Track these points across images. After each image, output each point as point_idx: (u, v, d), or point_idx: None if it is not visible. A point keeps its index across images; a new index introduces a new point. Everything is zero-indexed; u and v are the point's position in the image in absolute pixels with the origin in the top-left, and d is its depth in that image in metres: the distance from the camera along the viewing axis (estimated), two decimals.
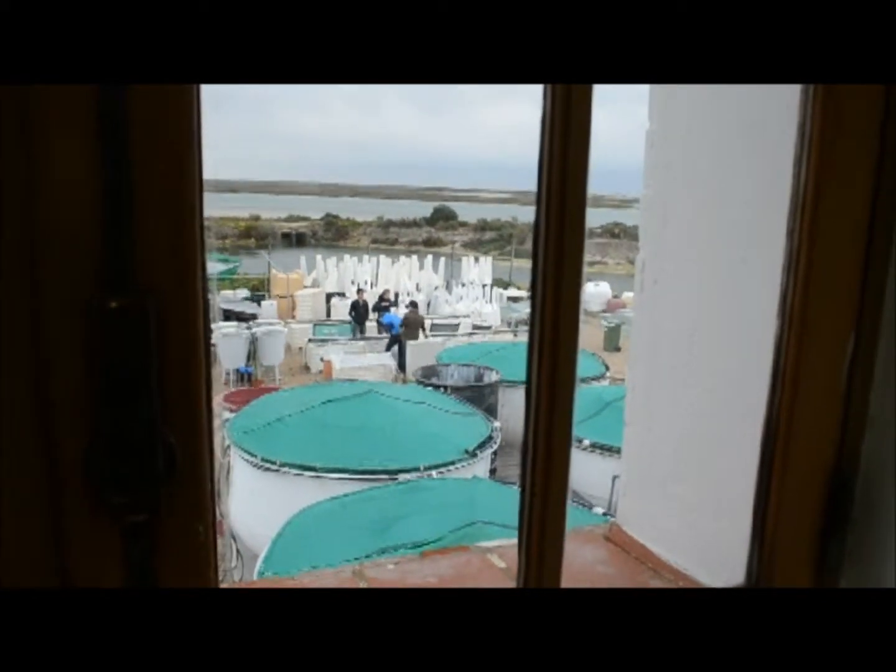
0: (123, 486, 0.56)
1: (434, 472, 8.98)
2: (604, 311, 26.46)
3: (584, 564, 1.44)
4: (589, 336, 22.99)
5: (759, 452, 1.04)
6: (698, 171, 1.29)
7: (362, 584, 1.31)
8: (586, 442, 10.37)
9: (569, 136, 0.80)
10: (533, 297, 0.79)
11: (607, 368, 14.76)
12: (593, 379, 14.08)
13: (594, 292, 29.10)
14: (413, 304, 20.64)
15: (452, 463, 9.25)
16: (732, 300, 1.22)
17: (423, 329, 19.77)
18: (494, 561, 1.42)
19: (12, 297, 0.53)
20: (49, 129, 0.54)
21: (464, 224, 65.46)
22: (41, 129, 0.54)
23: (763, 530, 1.05)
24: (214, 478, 0.62)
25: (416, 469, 8.90)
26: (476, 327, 22.34)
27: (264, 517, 8.18)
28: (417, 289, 26.70)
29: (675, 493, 1.40)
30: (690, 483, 1.38)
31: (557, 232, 0.77)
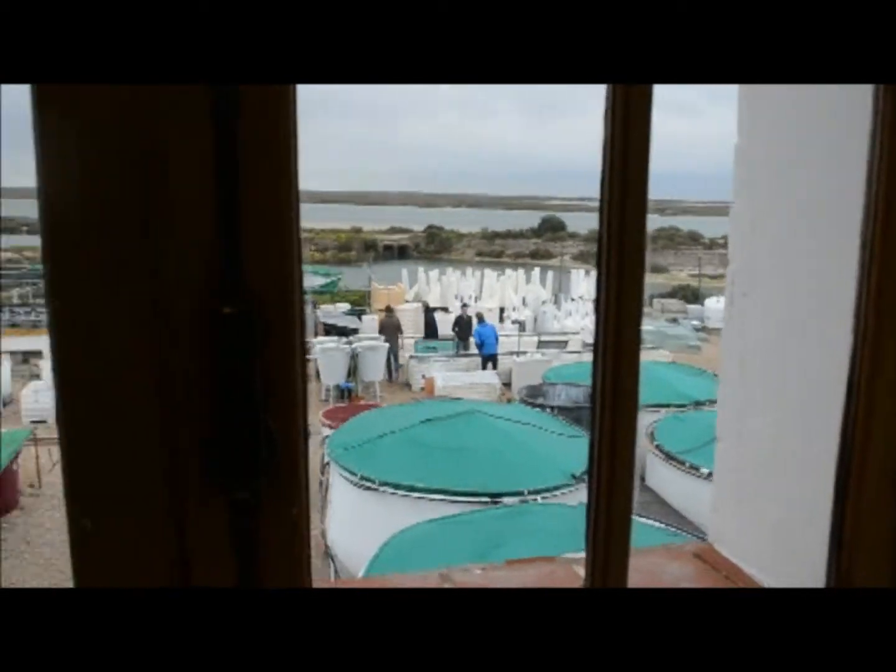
0: (232, 465, 0.71)
1: (538, 497, 8.98)
2: None
3: (670, 580, 1.51)
4: (711, 355, 22.37)
5: (836, 467, 1.09)
6: (785, 185, 1.36)
7: (448, 586, 1.43)
8: (704, 470, 10.19)
9: (629, 138, 0.88)
10: (597, 309, 0.89)
11: None
12: (713, 402, 13.77)
13: (716, 308, 28.36)
14: (388, 309, 21.23)
15: (558, 488, 9.21)
16: (820, 313, 1.28)
17: (402, 333, 20.09)
18: (579, 572, 1.51)
19: (141, 305, 0.69)
20: (169, 135, 0.68)
21: (573, 235, 65.01)
22: (163, 136, 0.68)
23: (840, 550, 1.11)
24: (308, 468, 0.76)
25: (520, 493, 8.92)
26: (586, 345, 22.19)
27: (362, 537, 8.41)
28: (524, 303, 26.73)
29: (765, 510, 1.46)
30: (780, 500, 1.44)
31: (618, 238, 0.87)
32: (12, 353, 20.60)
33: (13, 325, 23.80)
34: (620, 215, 0.89)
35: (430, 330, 22.02)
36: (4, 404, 18.22)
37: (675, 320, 27.96)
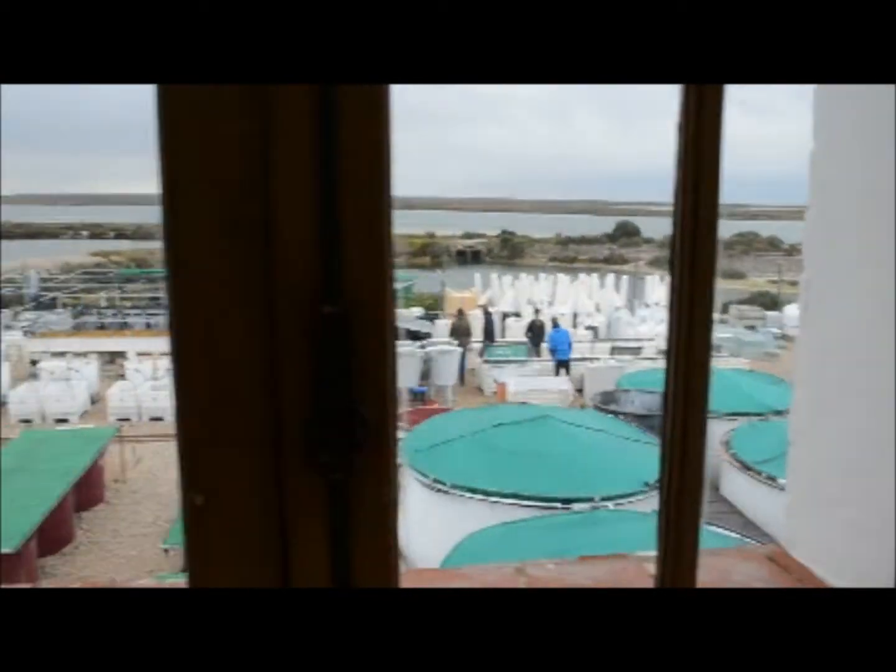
0: (330, 448, 0.78)
1: (610, 504, 8.95)
2: None
3: (741, 581, 1.53)
4: (791, 363, 21.72)
5: None
6: (862, 190, 1.37)
7: (522, 580, 1.48)
8: (782, 481, 9.98)
9: (701, 140, 0.91)
10: (669, 314, 0.93)
11: None
12: None
13: (797, 315, 27.54)
14: (460, 312, 21.91)
15: (631, 495, 9.17)
16: (894, 318, 1.29)
17: (471, 336, 20.47)
18: (650, 569, 1.55)
19: (252, 304, 0.77)
20: (277, 138, 0.75)
21: (649, 241, 64.20)
22: (272, 139, 0.75)
23: None
24: (397, 454, 0.83)
25: (591, 499, 8.91)
26: (661, 351, 21.92)
27: (434, 538, 8.52)
28: (597, 309, 26.56)
29: (840, 515, 1.47)
30: (855, 506, 1.45)
31: (690, 242, 0.90)
32: (100, 353, 21.44)
33: (101, 327, 24.75)
34: (693, 219, 0.93)
35: (488, 333, 22.10)
36: (92, 402, 18.98)
37: (752, 327, 27.36)
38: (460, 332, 20.74)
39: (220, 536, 0.83)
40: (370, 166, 0.77)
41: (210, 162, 0.76)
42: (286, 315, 0.76)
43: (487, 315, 22.58)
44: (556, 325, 20.75)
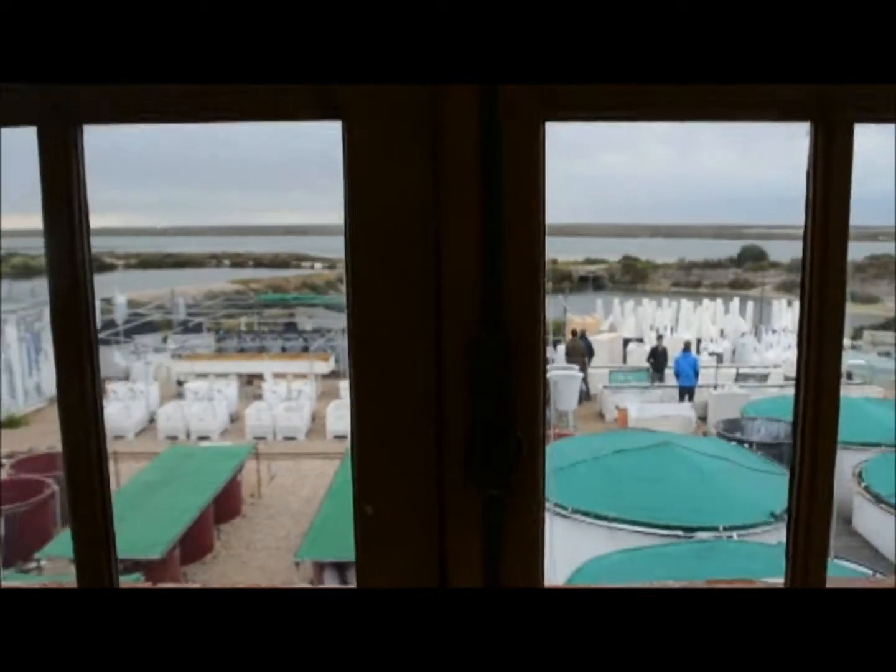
0: (488, 465, 0.86)
1: (734, 535, 8.64)
2: None
3: None
4: None
5: None
6: None
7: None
8: None
9: (831, 162, 0.92)
10: (799, 337, 0.96)
11: None
12: None
13: None
14: (573, 333, 21.99)
15: (756, 526, 8.82)
16: None
17: (587, 357, 20.12)
18: None
19: (424, 336, 0.86)
20: (446, 172, 0.82)
21: (776, 264, 61.58)
22: (442, 173, 0.82)
23: None
24: (546, 473, 0.90)
25: (715, 529, 8.63)
26: (788, 378, 21.00)
27: (554, 562, 8.45)
28: (722, 335, 25.74)
29: None
30: None
31: (820, 266, 0.92)
32: (239, 375, 22.40)
33: (241, 350, 25.85)
34: (822, 242, 0.93)
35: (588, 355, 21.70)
36: (231, 421, 19.82)
37: (887, 354, 25.83)
38: (575, 352, 20.61)
39: (386, 543, 0.92)
40: (529, 204, 0.84)
41: (386, 204, 0.86)
42: (450, 344, 0.85)
43: (585, 340, 22.17)
44: (686, 349, 20.08)
